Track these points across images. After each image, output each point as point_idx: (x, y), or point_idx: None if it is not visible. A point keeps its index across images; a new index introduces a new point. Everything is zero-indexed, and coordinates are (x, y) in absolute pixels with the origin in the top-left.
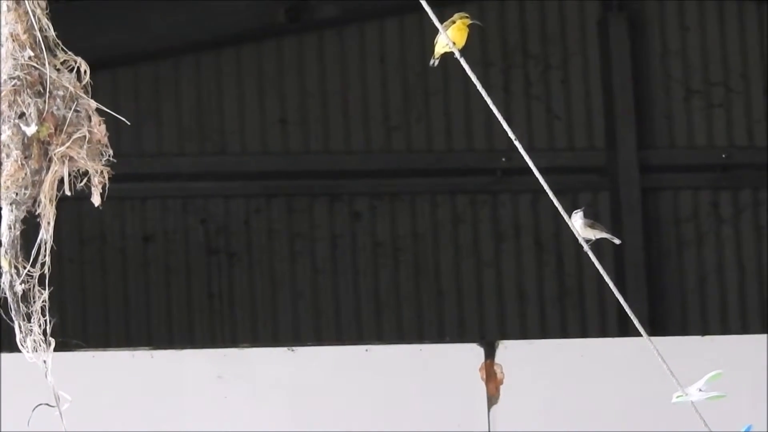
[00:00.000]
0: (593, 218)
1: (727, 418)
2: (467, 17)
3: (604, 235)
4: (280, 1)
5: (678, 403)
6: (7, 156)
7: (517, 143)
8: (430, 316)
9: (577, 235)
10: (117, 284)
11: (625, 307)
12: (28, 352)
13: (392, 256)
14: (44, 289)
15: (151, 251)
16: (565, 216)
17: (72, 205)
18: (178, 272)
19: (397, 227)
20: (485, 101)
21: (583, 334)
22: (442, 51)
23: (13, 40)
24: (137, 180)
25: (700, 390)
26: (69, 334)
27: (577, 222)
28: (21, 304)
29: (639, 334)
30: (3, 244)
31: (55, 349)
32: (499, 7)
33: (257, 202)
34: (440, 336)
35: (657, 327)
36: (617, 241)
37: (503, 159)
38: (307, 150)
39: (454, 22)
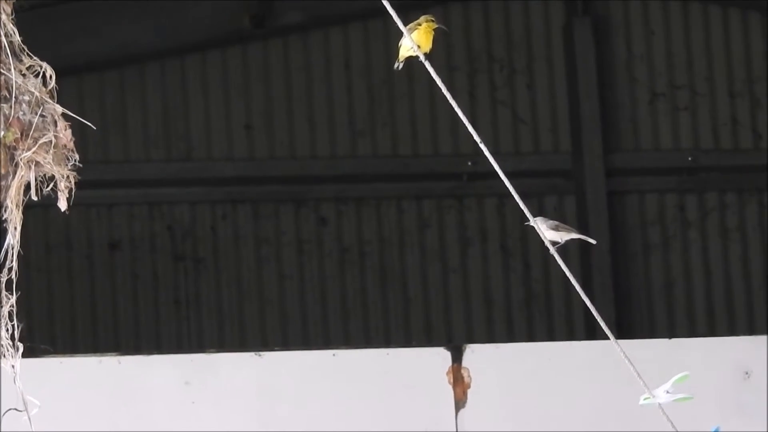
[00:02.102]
0: (559, 221)
1: (695, 420)
2: (433, 21)
3: (573, 236)
4: (245, 7)
5: (645, 405)
6: None
7: (482, 146)
8: (397, 320)
9: (543, 237)
10: (84, 291)
11: (591, 309)
12: None
13: (358, 262)
14: (11, 295)
15: (117, 258)
16: (530, 217)
17: (38, 212)
18: (145, 278)
19: (363, 232)
20: (451, 106)
21: (551, 338)
22: (407, 54)
23: None
24: (103, 186)
25: (667, 392)
26: (36, 341)
27: (541, 225)
28: None
29: (606, 338)
30: None
31: (23, 355)
32: (464, 11)
33: (223, 208)
34: (407, 341)
35: (624, 330)
36: (592, 241)
37: (469, 163)
38: (272, 155)
39: (419, 25)
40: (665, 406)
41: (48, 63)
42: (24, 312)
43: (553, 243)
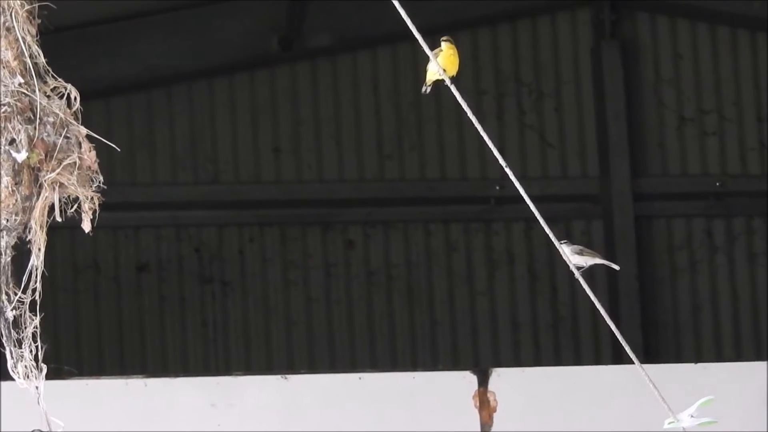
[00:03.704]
0: (584, 245)
1: None
2: (448, 39)
3: (597, 261)
4: (273, 30)
5: (669, 430)
6: None
7: (508, 170)
8: (424, 343)
9: (567, 262)
10: (111, 313)
11: (616, 334)
12: (19, 378)
13: (385, 285)
14: (35, 315)
15: (144, 280)
16: (555, 242)
17: (66, 234)
18: (172, 301)
19: (390, 256)
20: (478, 129)
21: (577, 361)
22: (434, 78)
23: (4, 67)
24: (131, 209)
25: (692, 416)
26: (63, 362)
27: (566, 250)
28: (12, 330)
29: (632, 362)
30: None
31: (49, 377)
32: (492, 35)
33: (251, 231)
34: (434, 363)
35: (651, 355)
36: (616, 267)
37: (497, 187)
38: (300, 179)
39: (442, 50)
40: (690, 431)
41: (76, 85)
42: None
43: (578, 267)
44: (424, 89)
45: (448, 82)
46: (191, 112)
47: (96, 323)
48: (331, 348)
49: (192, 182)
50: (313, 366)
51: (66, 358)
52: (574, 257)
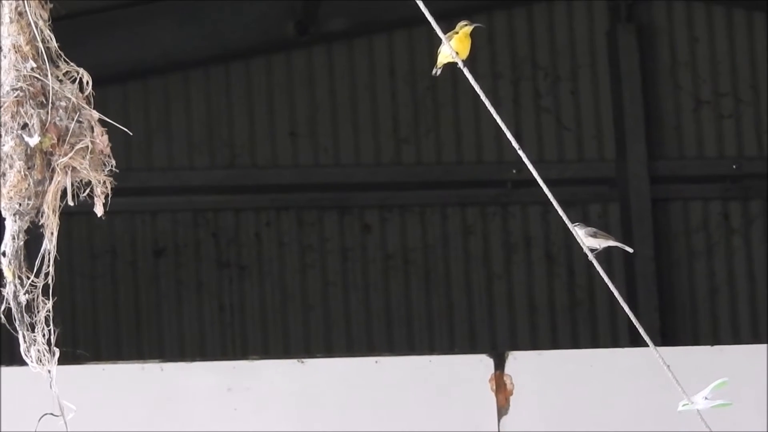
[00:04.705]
0: (599, 228)
1: (736, 426)
2: (467, 24)
3: (611, 243)
4: (289, 15)
5: (684, 412)
6: (11, 167)
7: (521, 153)
8: (441, 327)
9: (581, 244)
10: (128, 297)
11: (630, 316)
12: (32, 362)
13: (403, 269)
14: (48, 300)
15: (162, 264)
16: (569, 224)
17: (83, 220)
18: (189, 285)
19: (407, 239)
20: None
21: (595, 344)
22: (445, 61)
23: (16, 52)
24: (148, 194)
25: (706, 398)
26: (80, 347)
27: (579, 232)
28: (25, 314)
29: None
30: (6, 254)
31: (65, 362)
32: (508, 19)
33: (267, 215)
34: (451, 347)
35: (668, 337)
36: (629, 250)
37: (513, 171)
38: (317, 163)
39: (457, 33)
40: (704, 413)
41: (93, 70)
42: (69, 318)
43: (591, 249)
44: (434, 71)
45: (461, 64)
46: (208, 96)
47: (113, 308)
48: (348, 332)
49: (209, 167)
50: (330, 350)
51: (83, 343)
52: (587, 239)
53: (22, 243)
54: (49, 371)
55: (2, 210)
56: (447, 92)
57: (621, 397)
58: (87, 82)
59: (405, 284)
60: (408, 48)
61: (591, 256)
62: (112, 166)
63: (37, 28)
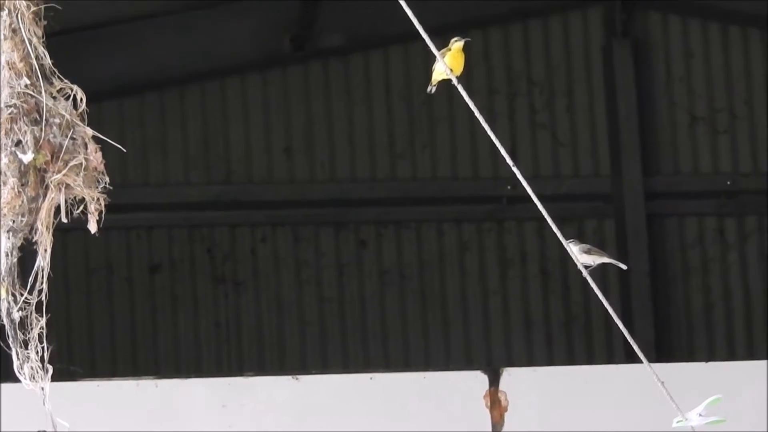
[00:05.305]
0: (593, 245)
1: None
2: (458, 39)
3: (605, 260)
4: (285, 30)
5: (678, 428)
6: (4, 183)
7: (515, 170)
8: (437, 343)
9: (576, 261)
10: (124, 313)
11: (624, 333)
12: (25, 379)
13: (398, 284)
14: (41, 317)
15: (157, 280)
16: (563, 241)
17: (78, 236)
18: (185, 301)
19: (403, 255)
20: (486, 129)
21: (590, 360)
22: (440, 78)
23: (10, 68)
24: (143, 210)
25: (700, 415)
26: (76, 363)
27: (573, 249)
28: (18, 331)
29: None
30: (0, 271)
31: (59, 379)
32: (504, 35)
33: (263, 231)
34: (447, 363)
35: (663, 353)
36: (623, 266)
37: (509, 187)
38: (312, 179)
39: (450, 50)
40: (698, 429)
41: (88, 86)
42: (64, 334)
43: (586, 266)
44: (429, 89)
45: (455, 81)
46: (204, 112)
47: (109, 324)
48: (344, 347)
49: (204, 182)
50: (326, 365)
51: (79, 359)
52: (582, 256)
53: (15, 260)
54: (42, 388)
55: None
56: (443, 108)
57: (615, 413)
58: (81, 99)
59: (401, 300)
60: (404, 63)
61: (585, 273)
62: (106, 183)
63: (30, 44)
